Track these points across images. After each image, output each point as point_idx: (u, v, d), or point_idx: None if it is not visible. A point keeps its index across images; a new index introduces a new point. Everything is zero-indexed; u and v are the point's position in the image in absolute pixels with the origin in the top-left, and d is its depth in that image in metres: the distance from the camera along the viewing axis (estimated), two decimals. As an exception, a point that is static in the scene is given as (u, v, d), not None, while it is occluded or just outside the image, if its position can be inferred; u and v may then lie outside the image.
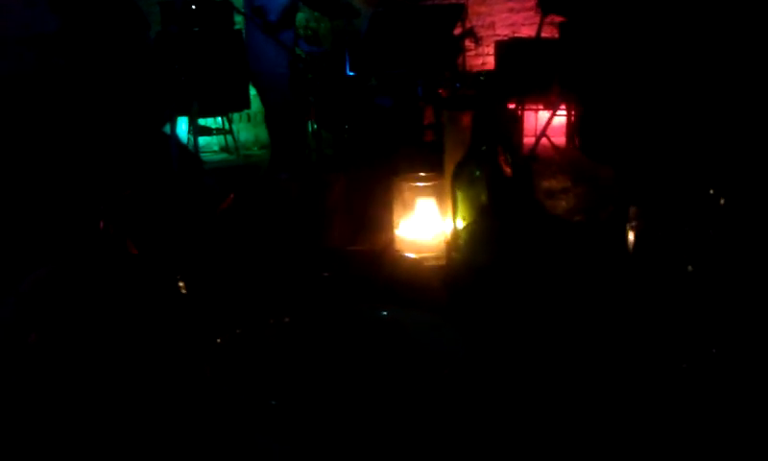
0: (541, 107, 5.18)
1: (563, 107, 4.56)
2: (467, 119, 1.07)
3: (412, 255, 0.96)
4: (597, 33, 1.73)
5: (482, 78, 0.85)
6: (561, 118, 4.64)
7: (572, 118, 4.48)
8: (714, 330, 0.66)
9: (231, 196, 1.29)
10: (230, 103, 5.59)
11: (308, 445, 0.55)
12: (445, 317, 0.69)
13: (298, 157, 4.13)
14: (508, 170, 0.78)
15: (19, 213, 1.56)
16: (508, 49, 5.36)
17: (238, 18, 5.23)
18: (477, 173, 0.77)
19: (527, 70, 4.91)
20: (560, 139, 4.79)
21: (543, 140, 4.47)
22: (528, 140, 4.63)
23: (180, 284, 0.74)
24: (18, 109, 2.45)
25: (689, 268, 0.66)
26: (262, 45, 3.95)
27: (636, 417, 0.61)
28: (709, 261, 0.65)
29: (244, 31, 4.31)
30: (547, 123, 4.41)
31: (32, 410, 0.63)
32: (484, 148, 0.78)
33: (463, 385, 0.60)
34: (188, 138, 4.88)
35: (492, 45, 5.75)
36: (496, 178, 0.78)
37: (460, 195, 0.78)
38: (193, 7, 5.14)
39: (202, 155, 4.90)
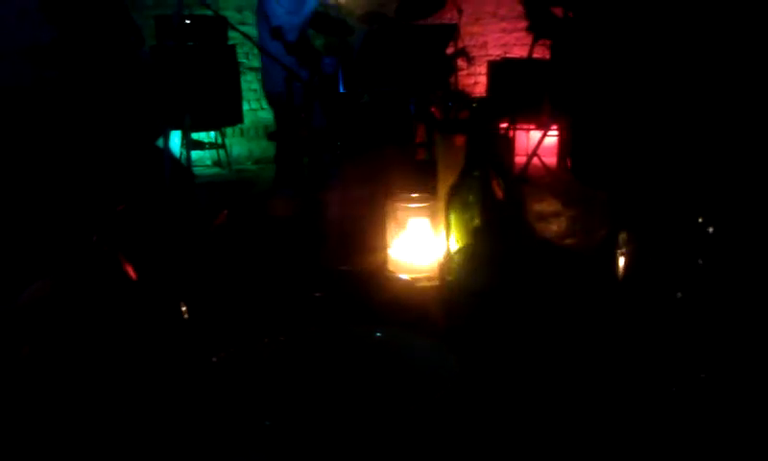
0: (533, 126, 5.22)
1: (554, 127, 4.60)
2: (460, 141, 1.08)
3: (405, 277, 0.96)
4: (587, 56, 1.75)
5: (474, 105, 0.86)
6: (552, 138, 4.68)
7: (563, 139, 4.52)
8: (703, 356, 0.67)
9: (225, 212, 1.29)
10: (224, 117, 5.60)
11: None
12: (439, 339, 0.70)
13: (297, 175, 4.18)
14: (500, 194, 0.79)
15: (12, 226, 1.56)
16: (500, 69, 5.41)
17: (232, 34, 5.26)
18: (470, 198, 0.78)
19: (519, 90, 4.95)
20: (551, 160, 4.83)
21: (535, 160, 4.50)
22: (519, 160, 4.66)
23: (179, 304, 0.74)
24: (11, 123, 2.45)
25: (678, 294, 0.67)
26: (275, 65, 4.02)
27: (626, 439, 0.61)
28: (698, 288, 0.67)
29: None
30: (538, 143, 4.44)
31: (23, 423, 0.63)
32: (476, 173, 0.79)
33: (457, 407, 0.61)
34: (181, 152, 4.87)
35: (485, 65, 5.80)
36: (489, 201, 0.79)
37: (453, 218, 0.79)
38: (188, 22, 5.16)
39: (194, 169, 4.89)
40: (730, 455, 0.60)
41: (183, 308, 0.72)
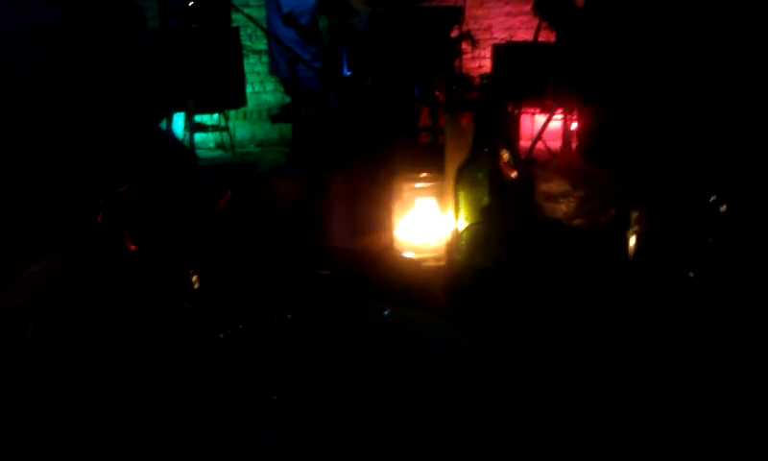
0: (538, 110, 5.20)
1: (559, 110, 4.58)
2: (467, 121, 1.07)
3: (412, 256, 0.96)
4: (596, 36, 1.74)
5: (485, 81, 0.85)
6: (556, 122, 4.66)
7: (568, 122, 4.50)
8: (714, 336, 0.66)
9: (229, 193, 1.29)
10: (227, 100, 5.58)
11: (308, 441, 0.55)
12: (446, 317, 0.69)
13: (308, 155, 4.19)
14: (510, 172, 0.79)
15: (16, 207, 1.56)
16: (505, 52, 5.39)
17: (236, 16, 5.23)
18: (480, 175, 0.77)
19: (524, 73, 4.93)
20: (555, 143, 4.81)
21: (539, 144, 4.48)
22: (524, 143, 4.65)
23: (188, 276, 0.74)
24: (15, 104, 2.44)
25: (690, 274, 0.66)
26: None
27: (635, 418, 0.61)
28: (710, 267, 0.66)
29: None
30: (544, 126, 4.42)
31: (28, 400, 0.63)
32: (486, 150, 0.78)
33: (464, 386, 0.60)
34: (184, 135, 4.87)
35: (489, 48, 5.77)
36: (498, 180, 0.78)
37: (462, 196, 0.78)
38: (191, 3, 5.13)
39: (197, 151, 4.89)
40: (738, 435, 0.59)
41: (194, 278, 0.72)
